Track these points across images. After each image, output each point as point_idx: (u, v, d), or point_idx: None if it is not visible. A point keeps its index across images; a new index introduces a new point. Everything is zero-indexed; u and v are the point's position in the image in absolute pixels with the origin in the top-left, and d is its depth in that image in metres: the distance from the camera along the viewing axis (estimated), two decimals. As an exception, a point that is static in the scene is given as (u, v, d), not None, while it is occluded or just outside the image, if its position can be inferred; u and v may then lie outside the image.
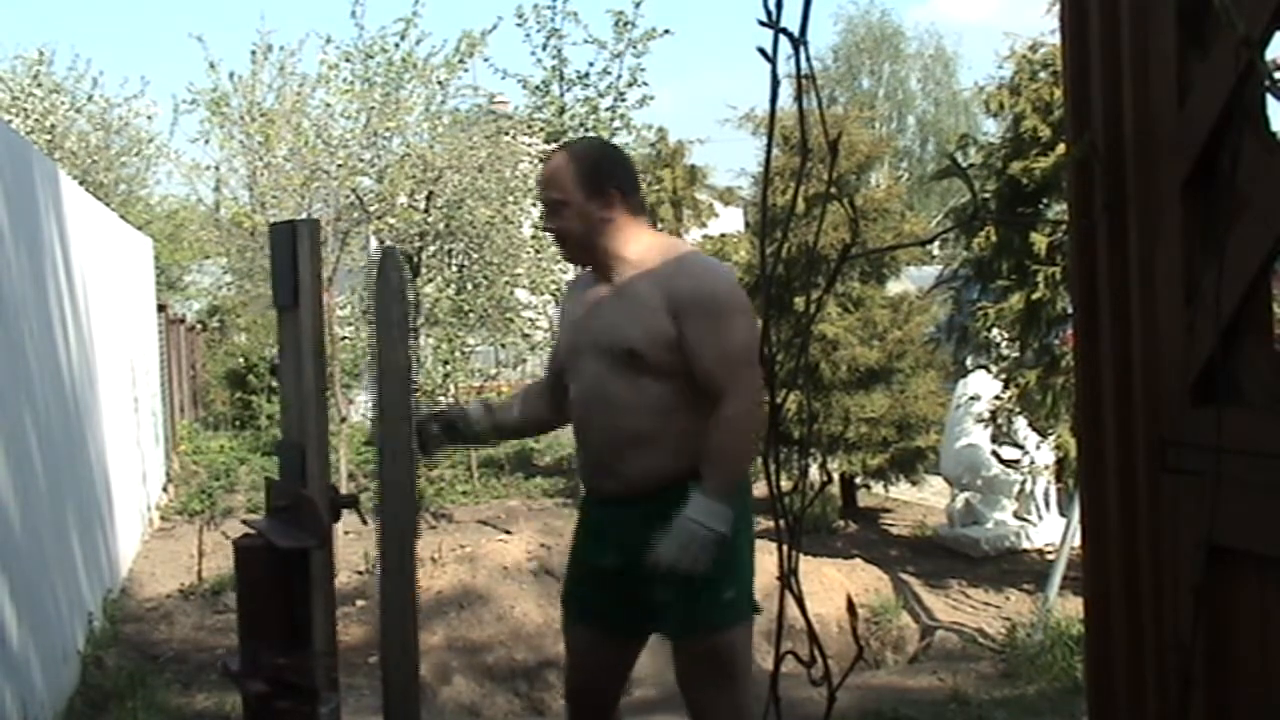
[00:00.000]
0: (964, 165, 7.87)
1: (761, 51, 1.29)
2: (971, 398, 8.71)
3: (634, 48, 10.30)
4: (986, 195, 7.46)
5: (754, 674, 2.92)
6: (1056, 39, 2.63)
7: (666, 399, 2.79)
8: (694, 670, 2.90)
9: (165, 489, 10.98)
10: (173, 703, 5.37)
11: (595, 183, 2.85)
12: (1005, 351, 8.08)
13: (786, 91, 1.31)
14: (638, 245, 2.89)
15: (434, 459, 3.16)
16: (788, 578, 1.43)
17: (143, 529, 9.12)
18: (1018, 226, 7.28)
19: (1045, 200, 7.53)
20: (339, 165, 9.21)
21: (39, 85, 15.14)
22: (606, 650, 3.03)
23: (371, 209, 9.68)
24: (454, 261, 12.94)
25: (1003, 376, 7.87)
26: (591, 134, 10.14)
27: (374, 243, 10.60)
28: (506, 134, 12.20)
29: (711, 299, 2.79)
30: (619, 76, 10.35)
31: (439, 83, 10.54)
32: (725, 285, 2.87)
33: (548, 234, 3.03)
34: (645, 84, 10.41)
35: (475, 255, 12.64)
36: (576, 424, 3.00)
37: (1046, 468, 8.74)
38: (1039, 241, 7.08)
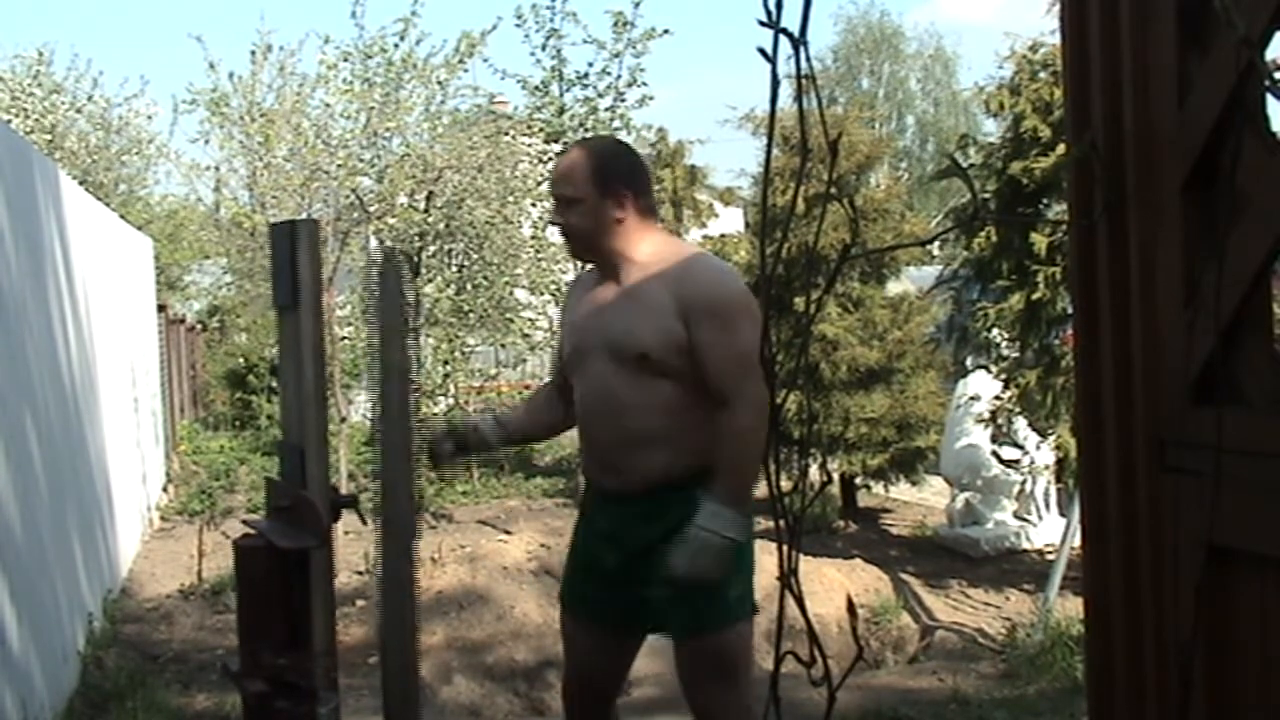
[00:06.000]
0: (964, 165, 7.86)
1: (761, 51, 1.29)
2: (971, 398, 8.71)
3: (633, 48, 10.29)
4: (986, 195, 7.46)
5: (754, 674, 2.93)
6: (1056, 39, 2.63)
7: (673, 400, 2.79)
8: (697, 670, 2.91)
9: (165, 489, 10.98)
10: (173, 703, 5.37)
11: (609, 182, 2.85)
12: (1005, 351, 8.08)
13: (786, 92, 1.31)
14: (646, 247, 2.89)
15: (446, 473, 3.23)
16: (788, 578, 1.43)
17: (143, 529, 9.12)
18: (1018, 226, 7.28)
19: (1045, 200, 7.53)
20: (339, 165, 9.21)
21: (39, 85, 15.15)
22: (604, 648, 3.03)
23: (371, 209, 9.68)
24: (454, 261, 12.94)
25: (1003, 376, 7.87)
26: (592, 134, 10.14)
27: (374, 243, 10.61)
28: (506, 134, 12.20)
29: (721, 303, 2.79)
30: (618, 77, 10.35)
31: (439, 83, 10.54)
32: (736, 289, 2.85)
33: (554, 228, 3.03)
34: (645, 84, 10.41)
35: (475, 255, 12.64)
36: (581, 422, 3.00)
37: (1046, 468, 8.74)
38: (1039, 241, 7.08)
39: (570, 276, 11.62)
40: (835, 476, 10.35)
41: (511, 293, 12.92)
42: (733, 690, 2.87)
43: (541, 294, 12.85)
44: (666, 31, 10.35)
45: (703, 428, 2.77)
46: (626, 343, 2.82)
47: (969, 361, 9.04)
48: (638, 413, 2.81)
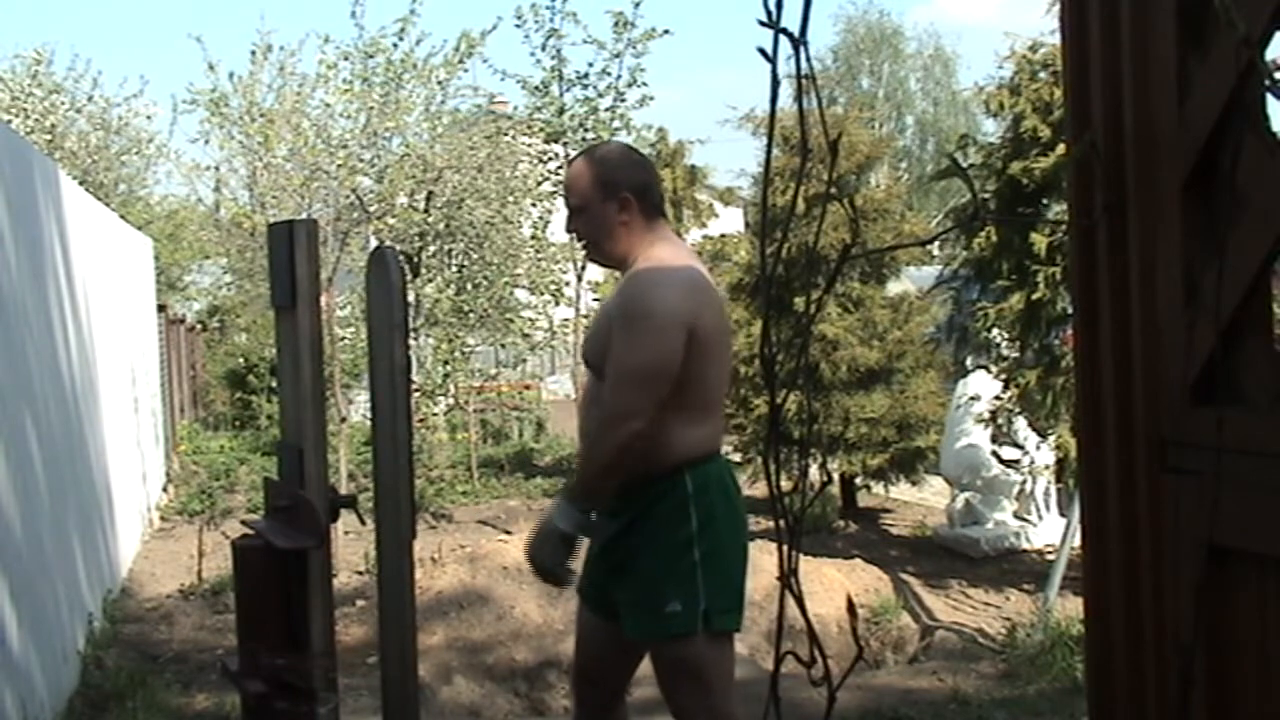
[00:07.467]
0: (964, 165, 7.86)
1: (761, 51, 1.29)
2: (971, 398, 8.71)
3: (633, 48, 10.30)
4: (986, 195, 7.45)
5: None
6: (1056, 39, 2.63)
7: None
8: (658, 674, 2.97)
9: (165, 489, 10.98)
10: (173, 703, 5.37)
11: (610, 186, 2.92)
12: (1005, 351, 8.08)
13: (786, 92, 1.31)
14: (639, 251, 2.94)
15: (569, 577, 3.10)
16: (788, 578, 1.43)
17: (143, 529, 9.12)
18: (1018, 226, 7.28)
19: (1045, 200, 7.53)
20: (339, 165, 9.20)
21: (39, 85, 15.15)
22: (604, 633, 3.07)
23: (371, 209, 9.68)
24: (454, 261, 12.95)
25: (1003, 376, 7.86)
26: (593, 134, 10.15)
27: (374, 243, 10.60)
28: (506, 134, 12.20)
29: (632, 313, 2.83)
30: (618, 77, 10.36)
31: (438, 83, 10.53)
32: (650, 303, 2.80)
33: (572, 235, 3.14)
34: (645, 84, 10.41)
35: (475, 255, 12.65)
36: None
37: (1046, 468, 8.74)
38: (1039, 241, 7.07)
39: (570, 276, 11.65)
40: (835, 476, 10.35)
41: (511, 293, 12.93)
42: (697, 697, 2.87)
43: (541, 294, 12.85)
44: (666, 31, 10.36)
45: (648, 432, 2.77)
46: (585, 349, 3.05)
47: (969, 361, 9.04)
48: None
